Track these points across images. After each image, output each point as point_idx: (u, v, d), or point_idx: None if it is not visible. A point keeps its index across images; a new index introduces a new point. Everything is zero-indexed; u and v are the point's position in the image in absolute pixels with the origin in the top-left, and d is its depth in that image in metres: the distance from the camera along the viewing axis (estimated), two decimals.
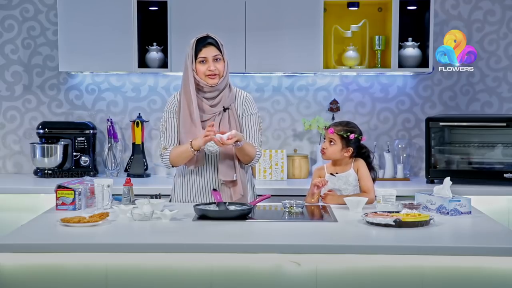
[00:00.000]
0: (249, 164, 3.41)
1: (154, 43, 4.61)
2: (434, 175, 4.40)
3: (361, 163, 3.54)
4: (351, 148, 3.54)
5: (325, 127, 3.68)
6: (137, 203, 3.16)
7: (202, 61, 3.30)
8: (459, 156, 4.48)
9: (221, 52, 3.32)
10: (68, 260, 2.65)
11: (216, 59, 3.31)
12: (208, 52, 3.30)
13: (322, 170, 3.61)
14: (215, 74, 3.31)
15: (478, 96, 4.82)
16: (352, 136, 3.53)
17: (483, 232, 2.85)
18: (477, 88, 4.82)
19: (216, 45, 3.32)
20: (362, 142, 3.59)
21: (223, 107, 3.35)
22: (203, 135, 3.22)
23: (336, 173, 3.53)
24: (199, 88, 3.35)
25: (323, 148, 3.56)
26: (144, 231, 2.85)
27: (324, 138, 3.61)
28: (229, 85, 3.41)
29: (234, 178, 3.34)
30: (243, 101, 3.43)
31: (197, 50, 3.31)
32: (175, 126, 3.40)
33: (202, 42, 3.31)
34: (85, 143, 4.68)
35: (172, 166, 3.41)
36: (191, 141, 3.26)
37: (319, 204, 3.49)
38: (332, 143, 3.54)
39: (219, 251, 2.61)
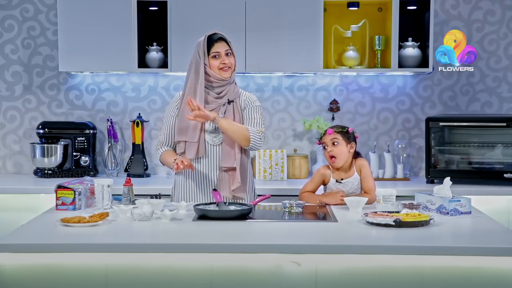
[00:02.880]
0: (249, 147, 3.38)
1: (154, 43, 4.61)
2: (434, 175, 4.40)
3: (363, 162, 3.53)
4: (354, 143, 3.54)
5: (319, 139, 3.64)
6: (137, 203, 3.16)
7: (215, 56, 3.39)
8: (459, 156, 4.47)
9: (230, 48, 3.42)
10: (68, 260, 2.65)
11: (227, 54, 3.41)
12: (220, 47, 3.39)
13: (328, 175, 3.57)
14: (228, 67, 3.40)
15: (478, 96, 4.82)
16: (350, 129, 3.55)
17: (483, 232, 2.85)
18: (477, 88, 4.82)
19: (226, 40, 3.42)
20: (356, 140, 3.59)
21: (228, 99, 3.41)
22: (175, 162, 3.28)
23: (342, 179, 3.51)
24: (208, 85, 3.41)
25: (330, 152, 3.49)
26: (144, 231, 2.85)
27: (325, 147, 3.56)
28: (235, 82, 3.50)
29: (234, 165, 3.37)
30: (247, 98, 3.51)
31: (210, 45, 3.39)
32: (173, 125, 3.47)
33: (214, 38, 3.40)
34: (85, 143, 4.68)
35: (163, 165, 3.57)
36: (175, 160, 3.31)
37: (319, 204, 3.49)
38: (335, 143, 3.51)
39: (219, 251, 2.61)
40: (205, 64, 3.38)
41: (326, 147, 3.54)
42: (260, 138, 3.38)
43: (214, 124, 3.38)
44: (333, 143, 3.51)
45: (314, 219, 3.23)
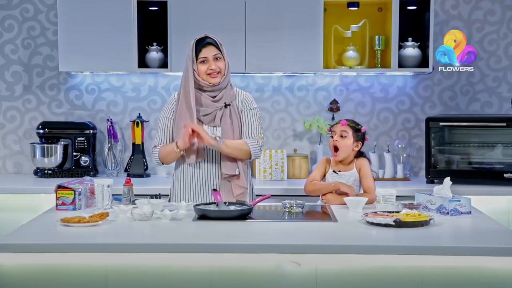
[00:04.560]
0: (251, 159, 3.42)
1: (154, 43, 4.61)
2: (434, 175, 4.40)
3: (364, 162, 3.54)
4: (361, 143, 3.55)
5: (330, 126, 3.66)
6: (137, 203, 3.16)
7: (203, 61, 3.35)
8: (459, 156, 4.47)
9: (220, 51, 3.36)
10: (68, 260, 2.65)
11: (217, 58, 3.35)
12: (208, 52, 3.34)
13: (328, 164, 3.60)
14: (217, 72, 3.35)
15: (478, 96, 4.82)
16: (363, 129, 3.56)
17: (483, 232, 2.85)
18: (477, 88, 4.82)
19: (215, 44, 3.36)
20: (364, 141, 3.60)
21: (225, 103, 3.38)
22: (182, 135, 3.27)
23: (339, 171, 3.53)
24: (200, 88, 3.38)
25: (335, 141, 3.52)
26: (144, 231, 2.85)
27: (332, 136, 3.58)
28: (230, 84, 3.45)
29: (237, 173, 3.36)
30: (243, 98, 3.47)
31: (197, 50, 3.35)
32: (169, 127, 3.44)
33: (202, 43, 3.35)
34: (85, 143, 4.69)
35: (162, 164, 3.47)
36: (176, 141, 3.30)
37: (319, 204, 3.49)
38: (343, 136, 3.53)
39: (219, 251, 2.61)
40: (194, 70, 3.35)
41: (333, 136, 3.55)
42: (260, 148, 3.40)
43: (212, 129, 3.37)
44: (341, 135, 3.52)
45: (314, 219, 3.23)
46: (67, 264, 2.66)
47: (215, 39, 3.36)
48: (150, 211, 3.00)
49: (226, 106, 3.39)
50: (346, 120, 3.59)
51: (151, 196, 3.44)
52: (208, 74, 3.34)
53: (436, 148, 4.46)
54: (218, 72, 3.35)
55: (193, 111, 3.32)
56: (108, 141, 4.79)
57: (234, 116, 3.39)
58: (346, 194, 3.41)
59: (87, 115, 4.85)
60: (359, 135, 3.56)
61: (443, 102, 4.83)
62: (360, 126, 3.57)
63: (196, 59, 3.34)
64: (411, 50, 4.55)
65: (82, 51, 4.47)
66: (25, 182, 4.48)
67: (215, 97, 3.38)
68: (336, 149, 3.53)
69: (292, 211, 3.24)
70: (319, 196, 3.56)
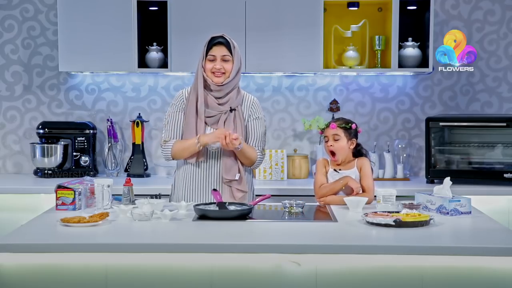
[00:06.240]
0: (250, 168, 3.45)
1: (154, 43, 4.61)
2: (434, 175, 4.40)
3: (365, 161, 3.54)
4: (355, 139, 3.55)
5: (321, 129, 3.65)
6: (137, 203, 3.16)
7: (211, 59, 3.36)
8: (459, 156, 4.48)
9: (231, 53, 3.36)
10: (68, 260, 2.65)
11: (225, 59, 3.36)
12: (218, 51, 3.35)
13: (327, 164, 3.59)
14: (221, 73, 3.35)
15: (478, 96, 4.82)
16: (354, 126, 3.55)
17: (483, 232, 2.85)
18: (477, 88, 4.82)
19: (227, 45, 3.36)
20: (358, 135, 3.59)
21: (230, 107, 3.38)
22: (216, 132, 3.27)
23: (340, 170, 3.53)
24: (206, 86, 3.39)
25: (331, 146, 3.51)
26: (144, 231, 2.85)
27: (326, 141, 3.58)
28: (238, 87, 3.45)
29: (237, 178, 3.36)
30: (250, 104, 3.47)
31: (208, 48, 3.37)
32: (178, 121, 3.42)
33: (214, 41, 3.37)
34: (85, 143, 4.69)
35: (173, 159, 3.44)
36: (198, 136, 3.30)
37: (319, 204, 3.49)
38: (336, 139, 3.52)
39: (219, 251, 2.61)
40: (202, 66, 3.38)
41: (327, 141, 3.55)
42: (261, 162, 3.47)
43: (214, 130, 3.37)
44: (334, 139, 3.52)
45: (314, 219, 3.23)
46: (67, 264, 2.66)
47: (228, 40, 3.37)
48: (150, 211, 3.00)
49: (231, 110, 3.39)
50: (335, 121, 3.58)
51: (151, 196, 3.44)
52: (213, 72, 3.35)
53: (436, 148, 4.46)
54: (223, 73, 3.36)
55: (201, 114, 3.34)
56: (108, 141, 4.79)
57: (238, 120, 3.39)
58: (351, 190, 3.42)
59: (87, 115, 4.85)
60: (351, 132, 3.55)
61: (443, 102, 4.83)
62: (350, 124, 3.56)
63: (206, 56, 3.36)
64: (411, 50, 4.55)
65: (82, 51, 4.47)
66: (25, 182, 4.48)
67: (220, 98, 3.39)
68: (333, 153, 3.53)
69: (292, 211, 3.25)
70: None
